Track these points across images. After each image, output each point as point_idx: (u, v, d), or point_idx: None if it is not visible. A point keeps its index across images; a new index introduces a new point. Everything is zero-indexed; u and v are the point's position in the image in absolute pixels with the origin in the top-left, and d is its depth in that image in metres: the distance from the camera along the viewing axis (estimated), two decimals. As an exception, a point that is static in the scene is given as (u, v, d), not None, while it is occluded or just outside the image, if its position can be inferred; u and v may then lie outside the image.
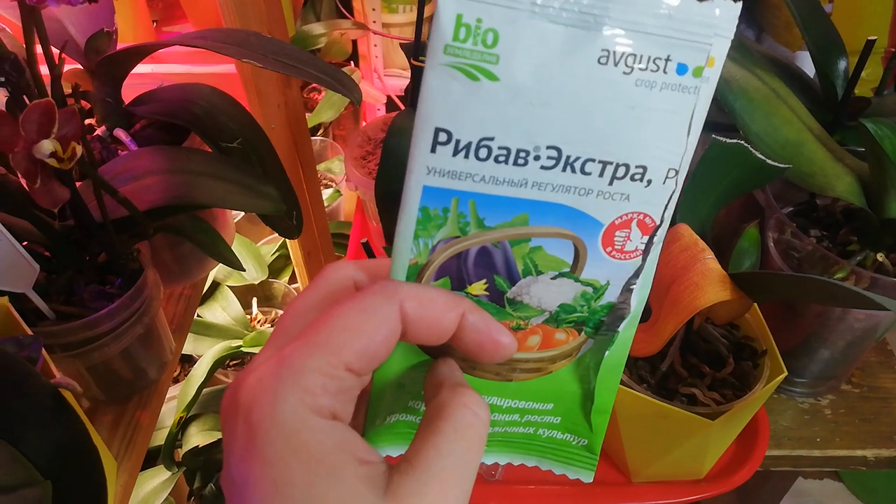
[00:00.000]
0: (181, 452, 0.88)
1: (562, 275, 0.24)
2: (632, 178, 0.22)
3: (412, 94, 0.69)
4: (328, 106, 1.26)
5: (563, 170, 0.21)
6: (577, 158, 0.21)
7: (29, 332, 0.39)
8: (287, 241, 1.01)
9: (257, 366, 0.20)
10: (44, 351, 0.37)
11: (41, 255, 0.46)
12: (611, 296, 0.24)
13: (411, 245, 0.23)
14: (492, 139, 0.21)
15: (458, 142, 0.21)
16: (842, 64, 0.58)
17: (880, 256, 0.49)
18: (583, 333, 0.25)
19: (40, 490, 0.25)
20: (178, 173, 0.44)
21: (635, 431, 0.49)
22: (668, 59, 0.20)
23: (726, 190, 0.47)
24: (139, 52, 0.49)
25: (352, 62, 1.28)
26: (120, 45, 0.52)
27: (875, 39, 0.51)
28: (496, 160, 0.21)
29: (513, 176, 0.21)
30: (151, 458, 0.88)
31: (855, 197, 0.49)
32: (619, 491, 0.53)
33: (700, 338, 0.49)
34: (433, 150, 0.21)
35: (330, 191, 1.27)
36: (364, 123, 1.37)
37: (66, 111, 0.30)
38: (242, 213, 1.14)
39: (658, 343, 0.43)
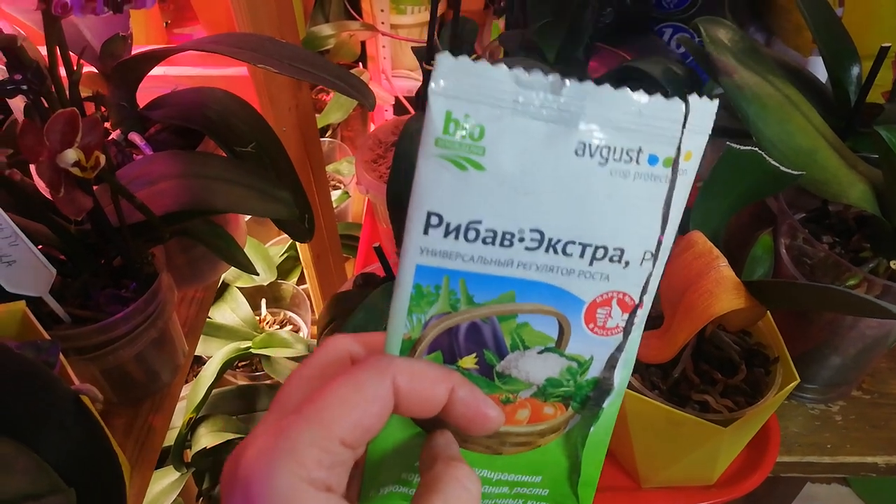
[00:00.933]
0: (190, 453, 0.89)
1: (548, 349, 0.25)
2: (610, 260, 0.23)
3: (423, 97, 0.69)
4: (337, 107, 1.26)
5: (546, 251, 0.23)
6: (559, 241, 0.23)
7: (46, 336, 0.39)
8: (297, 243, 1.02)
9: (256, 437, 0.21)
10: (61, 356, 0.37)
11: (57, 259, 0.46)
12: (595, 371, 0.26)
13: (405, 321, 0.24)
14: (479, 222, 0.22)
15: (448, 224, 0.22)
16: (854, 70, 0.57)
17: (893, 264, 0.49)
18: (570, 408, 0.26)
19: (65, 497, 0.25)
20: (193, 178, 0.44)
21: (646, 438, 0.49)
22: (639, 151, 0.22)
23: (740, 196, 0.47)
24: (154, 57, 0.49)
25: (360, 63, 1.28)
26: (134, 49, 0.53)
27: (889, 46, 0.51)
28: (484, 242, 0.23)
29: (500, 256, 0.23)
30: (161, 459, 0.88)
31: (868, 204, 0.49)
32: (628, 496, 0.53)
33: (712, 345, 0.49)
34: (426, 232, 0.22)
35: (338, 192, 1.28)
36: (372, 125, 1.37)
37: (88, 120, 0.30)
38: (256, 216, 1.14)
39: (671, 350, 0.43)
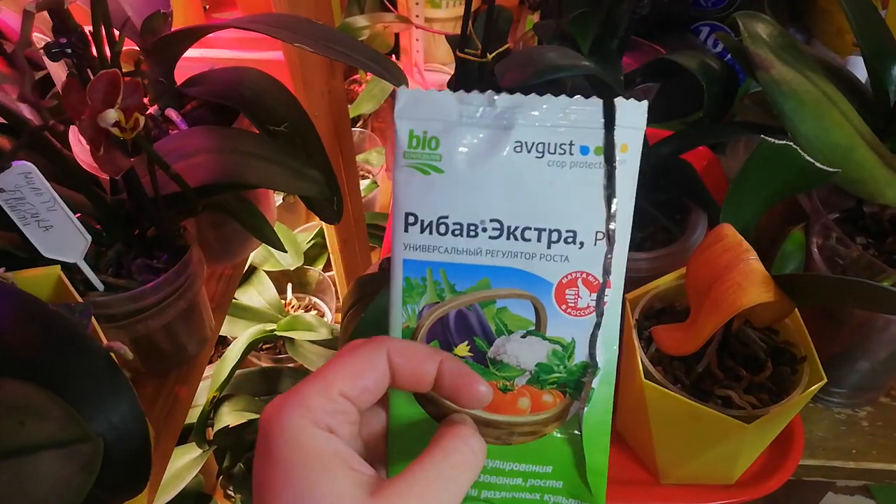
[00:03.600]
0: (212, 431, 0.90)
1: (530, 333, 0.28)
2: (565, 241, 0.27)
3: (455, 85, 0.70)
4: (368, 98, 1.27)
5: (507, 238, 0.26)
6: (517, 227, 0.26)
7: (80, 300, 0.40)
8: (323, 229, 1.02)
9: (275, 399, 0.25)
10: (93, 319, 0.38)
11: (92, 228, 0.47)
12: (581, 354, 0.28)
13: (401, 311, 0.28)
14: (447, 217, 0.26)
15: (422, 221, 0.26)
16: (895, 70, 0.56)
17: (929, 267, 0.48)
18: (567, 395, 0.29)
19: (92, 446, 0.26)
20: (227, 153, 0.45)
21: (667, 431, 0.48)
22: (571, 144, 0.26)
23: (772, 192, 0.47)
24: (193, 34, 0.50)
25: (393, 56, 1.28)
26: (174, 28, 0.54)
27: (933, 46, 0.50)
28: (453, 234, 0.26)
29: (469, 246, 0.27)
30: (183, 436, 0.90)
31: (905, 205, 0.48)
32: (647, 491, 0.53)
33: (738, 340, 0.48)
34: (406, 230, 0.27)
35: (367, 182, 1.29)
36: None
37: (130, 83, 0.31)
38: (281, 200, 1.16)
39: (696, 343, 0.42)
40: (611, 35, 0.62)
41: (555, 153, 0.26)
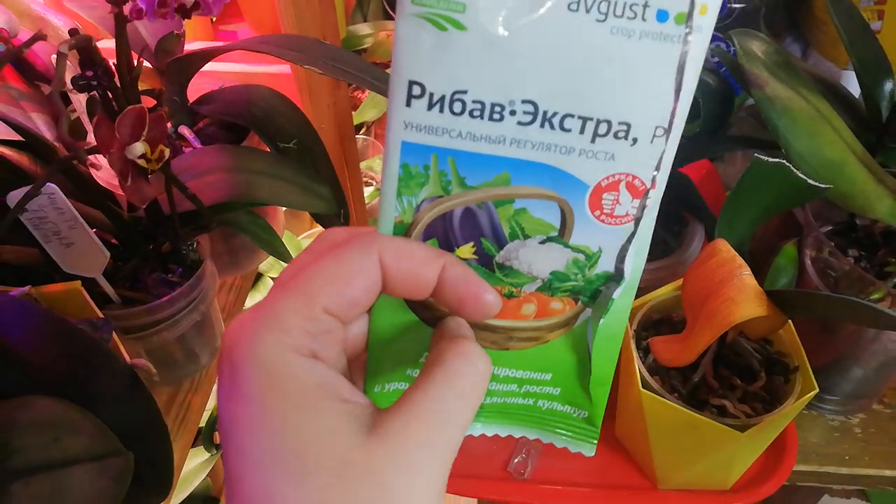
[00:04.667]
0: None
1: (550, 239, 0.23)
2: (615, 136, 0.21)
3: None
4: (372, 105, 1.29)
5: (542, 126, 0.21)
6: (555, 114, 0.20)
7: (100, 314, 0.41)
8: (328, 236, 1.04)
9: (242, 314, 0.21)
10: (114, 334, 0.40)
11: (110, 244, 0.49)
12: (606, 264, 0.24)
13: (395, 202, 0.22)
14: (465, 92, 0.20)
15: (431, 95, 0.20)
16: (888, 85, 0.58)
17: (918, 279, 0.50)
18: (580, 302, 0.25)
19: (124, 460, 0.28)
20: (239, 172, 0.46)
21: (664, 439, 0.50)
22: (646, 5, 0.19)
23: (766, 207, 0.48)
24: (207, 55, 0.52)
25: (396, 63, 1.30)
26: (186, 46, 0.55)
27: (923, 63, 0.52)
28: (471, 115, 0.21)
29: (489, 132, 0.21)
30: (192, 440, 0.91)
31: (895, 219, 0.49)
32: (645, 496, 0.55)
33: (733, 351, 0.50)
34: (408, 104, 0.20)
35: (371, 188, 1.30)
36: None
37: (154, 116, 0.32)
38: (296, 210, 1.17)
39: (691, 354, 0.44)
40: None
41: (622, 16, 0.19)
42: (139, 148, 0.32)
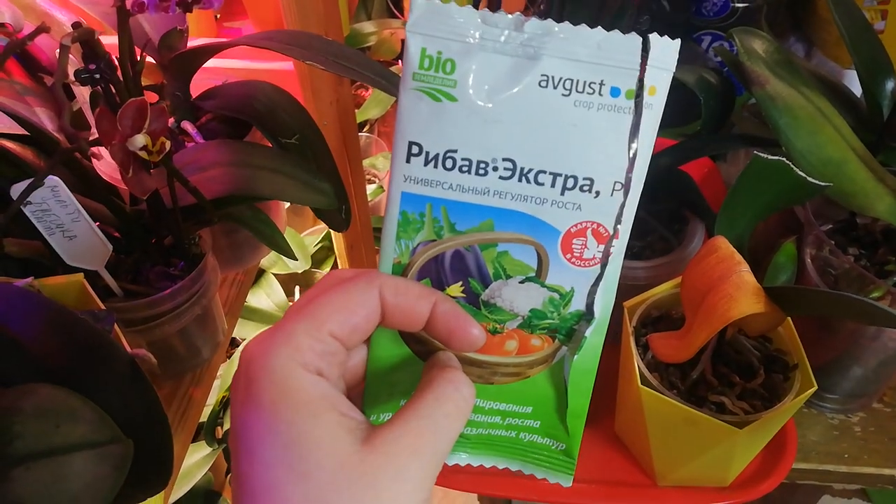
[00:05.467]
0: (222, 430, 0.92)
1: (528, 279, 0.26)
2: (581, 189, 0.25)
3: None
4: (375, 103, 1.29)
5: (520, 180, 0.24)
6: (531, 170, 0.24)
7: (102, 306, 0.42)
8: (331, 232, 1.04)
9: (258, 335, 0.24)
10: (115, 325, 0.40)
11: (112, 237, 0.49)
12: (578, 303, 0.27)
13: (394, 245, 0.26)
14: (455, 151, 0.24)
15: (427, 153, 0.24)
16: (889, 84, 0.58)
17: (918, 278, 0.50)
18: (556, 340, 0.28)
19: (123, 447, 0.28)
20: (241, 166, 0.47)
21: (663, 436, 0.50)
22: (601, 83, 0.24)
23: (766, 205, 0.48)
24: (209, 51, 0.52)
25: (399, 61, 1.30)
26: (190, 42, 0.56)
27: (925, 62, 0.52)
28: (461, 170, 0.24)
29: (476, 185, 0.25)
30: (194, 435, 0.92)
31: (895, 218, 0.49)
32: (644, 493, 0.55)
33: (732, 348, 0.50)
34: (408, 161, 0.24)
35: (373, 186, 1.31)
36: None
37: (156, 108, 0.33)
38: (289, 204, 1.18)
39: (690, 351, 0.44)
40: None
41: (583, 92, 0.23)
42: (140, 140, 0.32)
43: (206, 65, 0.57)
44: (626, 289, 0.53)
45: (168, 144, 0.34)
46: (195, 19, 0.85)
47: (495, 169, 0.24)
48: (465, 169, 0.24)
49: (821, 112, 0.53)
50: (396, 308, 0.24)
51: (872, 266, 0.53)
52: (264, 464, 0.21)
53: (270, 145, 0.53)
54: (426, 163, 0.24)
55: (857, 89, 0.62)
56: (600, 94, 0.24)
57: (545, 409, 0.29)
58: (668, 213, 0.62)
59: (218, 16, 0.92)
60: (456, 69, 0.23)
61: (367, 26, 1.20)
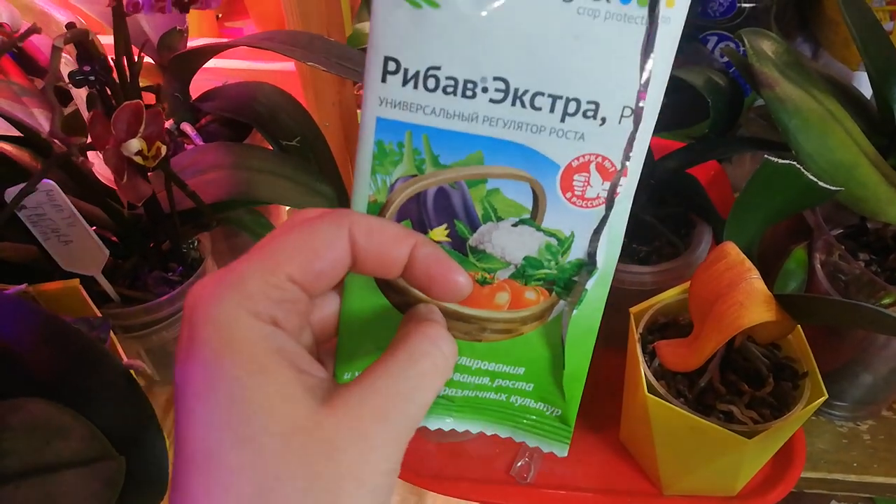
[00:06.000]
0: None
1: (522, 221, 0.23)
2: (584, 115, 0.21)
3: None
4: (378, 103, 1.28)
5: (513, 104, 0.21)
6: (526, 92, 0.21)
7: (98, 313, 0.41)
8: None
9: (206, 277, 0.21)
10: (112, 333, 0.40)
11: (109, 241, 0.48)
12: (578, 251, 0.24)
13: (369, 180, 0.23)
14: (438, 68, 0.21)
15: (406, 71, 0.21)
16: (901, 87, 0.57)
17: (930, 284, 0.49)
18: (553, 293, 0.25)
19: (115, 464, 0.27)
20: (241, 170, 0.46)
21: (670, 444, 0.49)
22: None
23: (775, 210, 0.47)
24: (209, 52, 0.52)
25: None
26: (190, 42, 0.55)
27: (937, 64, 0.51)
28: (444, 91, 0.21)
29: (463, 109, 0.21)
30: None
31: (907, 223, 0.48)
32: (650, 502, 0.54)
33: (741, 356, 0.49)
34: (384, 80, 0.21)
35: (375, 187, 1.30)
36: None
37: (151, 112, 0.32)
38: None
39: (698, 359, 0.43)
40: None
41: None
42: (135, 145, 0.31)
43: (207, 66, 0.57)
44: (632, 294, 0.53)
45: (164, 149, 0.33)
46: (196, 19, 0.84)
47: (485, 90, 0.21)
48: (449, 90, 0.21)
49: (831, 114, 0.52)
50: (369, 251, 0.21)
51: (883, 272, 0.52)
52: (204, 425, 0.18)
53: (271, 148, 0.52)
54: (405, 82, 0.21)
55: (866, 91, 0.62)
56: (608, 0, 0.20)
57: (539, 370, 0.26)
58: (674, 218, 0.61)
59: (219, 15, 0.91)
60: None
61: (369, 26, 1.19)
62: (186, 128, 0.53)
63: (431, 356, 0.21)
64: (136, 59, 0.42)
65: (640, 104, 0.21)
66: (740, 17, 0.88)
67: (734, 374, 0.48)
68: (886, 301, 0.49)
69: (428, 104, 0.21)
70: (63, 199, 0.40)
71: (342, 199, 0.50)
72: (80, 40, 0.32)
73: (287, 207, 0.88)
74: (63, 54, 0.41)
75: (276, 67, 0.74)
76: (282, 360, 0.19)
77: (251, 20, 0.90)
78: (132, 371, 0.33)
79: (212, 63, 0.61)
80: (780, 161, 0.44)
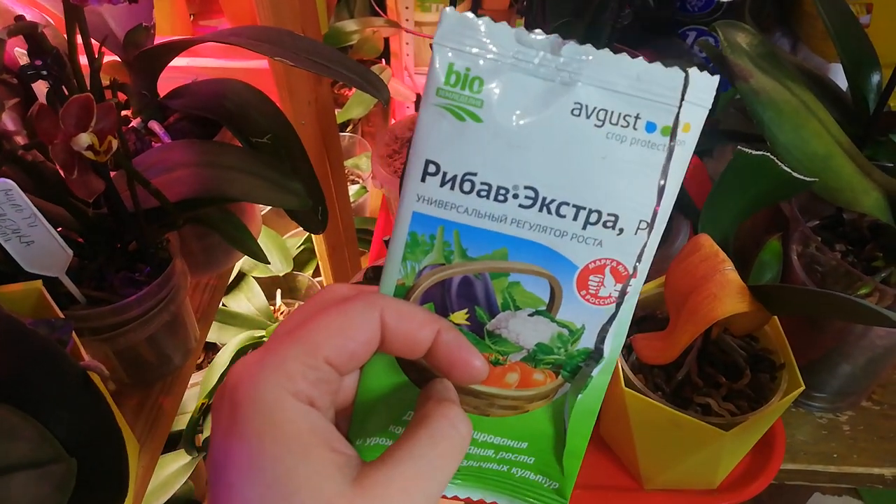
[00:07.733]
0: (202, 438, 0.90)
1: (538, 313, 0.25)
2: (604, 225, 0.23)
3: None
4: (358, 102, 1.27)
5: (540, 210, 0.23)
6: (553, 201, 0.23)
7: (60, 315, 0.40)
8: (312, 235, 1.03)
9: (248, 356, 0.22)
10: (74, 334, 0.39)
11: (74, 242, 0.47)
12: (587, 341, 0.26)
13: (399, 266, 0.25)
14: (475, 174, 0.23)
15: (445, 174, 0.23)
16: (875, 78, 0.57)
17: (906, 274, 0.49)
18: (560, 376, 0.26)
19: (66, 467, 0.26)
20: (208, 167, 0.45)
21: (649, 438, 0.49)
22: (637, 117, 0.22)
23: (751, 201, 0.47)
24: (176, 48, 0.51)
25: (383, 60, 1.29)
26: (157, 39, 0.54)
27: (910, 54, 0.51)
28: (479, 194, 0.23)
29: (493, 211, 0.23)
30: (173, 443, 0.90)
31: (882, 213, 0.48)
32: (631, 497, 0.54)
33: (717, 348, 0.49)
34: (423, 180, 0.23)
35: (356, 187, 1.29)
36: (393, 121, 1.38)
37: (103, 106, 0.31)
38: (269, 206, 1.16)
39: (674, 352, 0.43)
40: (594, 44, 0.62)
41: (616, 124, 0.22)
42: (85, 139, 0.30)
43: (177, 64, 0.55)
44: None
45: (116, 143, 0.32)
46: (169, 18, 0.83)
47: (515, 196, 0.23)
48: (483, 193, 0.23)
49: (806, 106, 0.52)
50: (397, 333, 0.23)
51: (860, 262, 0.52)
52: (244, 500, 0.19)
53: (241, 145, 0.51)
54: (442, 183, 0.23)
55: (842, 83, 0.62)
56: (634, 127, 0.22)
57: (541, 445, 0.28)
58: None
59: (193, 14, 0.90)
60: (484, 88, 0.22)
61: (349, 25, 1.18)
62: (154, 126, 0.52)
63: (450, 438, 0.23)
64: (97, 55, 0.41)
65: (655, 218, 0.24)
66: (718, 12, 0.88)
67: (711, 367, 0.48)
68: (863, 291, 0.49)
69: (462, 204, 0.23)
70: (23, 197, 0.39)
71: (314, 193, 0.50)
72: (30, 33, 0.31)
73: (264, 209, 0.87)
74: (21, 49, 0.40)
75: (248, 65, 0.73)
76: (319, 441, 0.20)
77: (225, 18, 0.89)
78: (92, 373, 0.32)
79: (184, 61, 0.60)
80: (754, 152, 0.44)
